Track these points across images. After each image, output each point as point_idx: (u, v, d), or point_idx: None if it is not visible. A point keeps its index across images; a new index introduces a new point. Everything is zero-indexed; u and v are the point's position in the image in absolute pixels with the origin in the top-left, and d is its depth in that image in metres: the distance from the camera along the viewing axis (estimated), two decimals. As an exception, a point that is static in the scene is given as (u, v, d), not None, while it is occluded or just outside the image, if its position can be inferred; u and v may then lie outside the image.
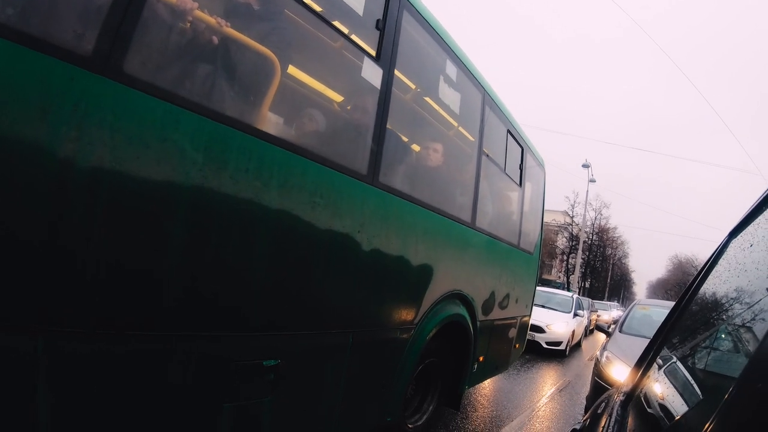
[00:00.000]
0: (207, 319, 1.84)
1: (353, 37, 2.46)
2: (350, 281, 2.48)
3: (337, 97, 2.71)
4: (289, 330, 2.20)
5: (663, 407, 1.16)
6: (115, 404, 1.61)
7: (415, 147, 3.32)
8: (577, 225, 41.27)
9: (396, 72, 2.68)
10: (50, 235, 1.38)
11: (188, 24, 1.79)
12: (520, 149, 4.89)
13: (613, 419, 1.43)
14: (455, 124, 3.61)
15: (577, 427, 1.95)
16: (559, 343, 10.44)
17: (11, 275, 1.33)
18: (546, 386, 7.28)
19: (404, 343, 3.04)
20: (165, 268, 1.67)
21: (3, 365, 1.35)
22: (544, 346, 10.20)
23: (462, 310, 3.70)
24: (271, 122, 2.13)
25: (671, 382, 1.25)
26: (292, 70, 2.26)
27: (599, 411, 1.77)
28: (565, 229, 44.36)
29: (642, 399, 1.36)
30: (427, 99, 3.28)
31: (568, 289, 28.65)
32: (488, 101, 3.96)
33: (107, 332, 1.54)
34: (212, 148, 1.75)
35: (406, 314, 3.00)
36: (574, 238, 41.89)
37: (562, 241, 45.43)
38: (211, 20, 1.85)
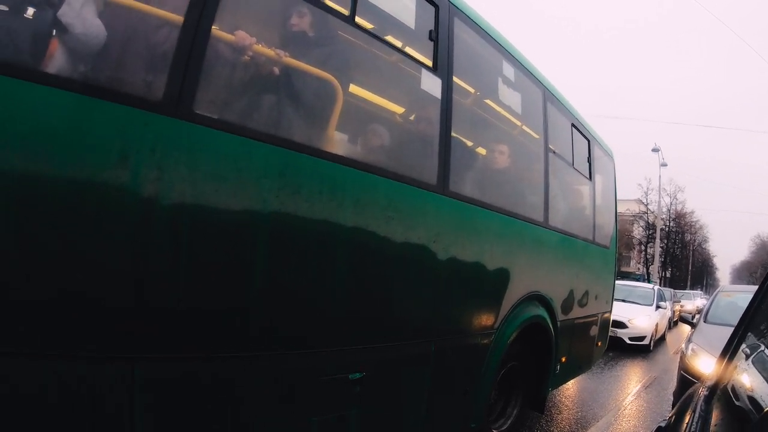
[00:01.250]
0: (293, 337, 1.93)
1: (408, 50, 2.50)
2: (429, 291, 2.51)
3: (400, 112, 2.75)
4: (373, 343, 2.26)
5: (752, 399, 1.09)
6: (206, 422, 1.70)
7: (482, 151, 3.30)
8: (652, 212, 38.79)
9: (454, 79, 2.69)
10: (143, 270, 1.50)
11: (249, 59, 1.89)
12: (587, 142, 4.72)
13: (696, 415, 1.36)
14: (518, 123, 3.55)
15: (663, 424, 1.87)
16: (642, 338, 9.89)
17: (109, 311, 1.44)
18: (631, 383, 6.94)
19: (485, 349, 3.02)
20: (251, 292, 1.77)
21: (104, 392, 1.46)
22: (627, 341, 9.70)
23: (541, 311, 3.62)
24: (339, 143, 2.21)
25: (760, 372, 1.17)
26: (353, 89, 2.33)
27: (684, 407, 1.69)
28: (640, 217, 41.83)
29: (729, 392, 1.28)
30: (488, 102, 3.26)
31: (649, 281, 27.03)
32: (549, 97, 3.86)
33: (199, 356, 1.65)
34: (286, 174, 1.84)
35: (486, 319, 2.98)
36: (650, 227, 39.39)
37: (638, 231, 42.91)
38: (270, 52, 1.95)
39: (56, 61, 1.56)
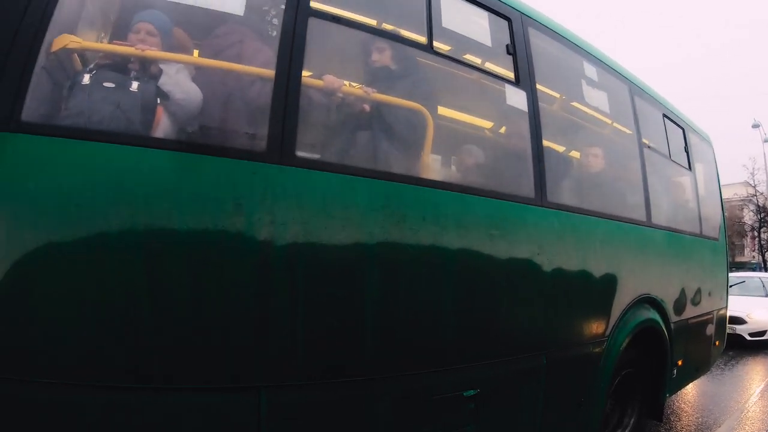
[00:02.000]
0: (407, 359, 1.99)
1: (489, 68, 2.54)
2: (537, 304, 2.49)
3: (490, 129, 2.78)
4: (485, 359, 2.28)
5: None
6: None
7: (575, 157, 3.24)
8: (761, 194, 35.03)
9: (538, 88, 2.67)
10: (266, 306, 1.65)
11: (339, 100, 2.01)
12: (681, 130, 4.44)
13: None
14: (608, 122, 3.44)
15: None
16: (763, 333, 8.93)
17: (239, 345, 1.62)
18: (754, 383, 6.31)
19: (598, 357, 2.93)
20: (365, 320, 1.87)
21: (234, 417, 1.61)
22: (748, 338, 8.82)
23: (653, 314, 3.44)
24: (435, 168, 2.29)
25: None
26: (441, 114, 2.40)
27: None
28: (750, 201, 37.81)
29: None
30: (575, 106, 3.19)
31: (766, 269, 24.48)
32: (636, 90, 3.71)
33: (320, 382, 1.77)
34: (389, 205, 1.93)
35: (596, 328, 2.90)
36: (761, 210, 35.49)
37: (749, 216, 38.73)
38: (359, 91, 2.07)
39: (164, 125, 1.78)
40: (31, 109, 1.55)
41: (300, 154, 1.77)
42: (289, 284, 1.71)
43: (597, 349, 2.91)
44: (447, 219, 2.09)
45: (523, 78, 2.59)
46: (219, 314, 1.61)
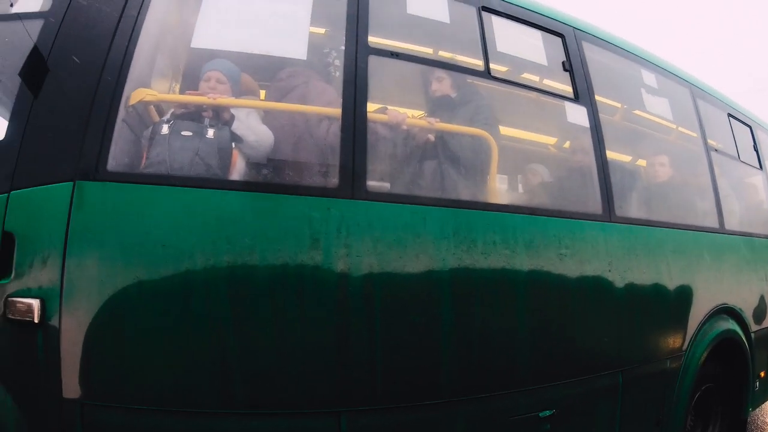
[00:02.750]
0: (483, 382, 2.02)
1: (547, 86, 2.53)
2: (611, 321, 2.45)
3: (554, 148, 2.77)
4: (561, 380, 2.26)
5: None
6: None
7: (641, 168, 3.18)
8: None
9: (597, 100, 2.64)
10: (346, 335, 1.74)
11: (405, 132, 2.07)
12: (748, 129, 4.24)
13: None
14: (672, 128, 3.34)
15: None
16: None
17: (320, 372, 1.71)
18: None
19: (675, 373, 2.82)
20: (441, 345, 1.91)
21: None
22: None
23: (731, 325, 3.28)
24: (502, 192, 2.30)
25: None
26: (504, 136, 2.42)
27: None
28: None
29: None
30: (636, 115, 3.13)
31: None
32: (697, 93, 3.58)
33: (398, 405, 1.83)
34: (459, 232, 1.96)
35: (673, 342, 2.80)
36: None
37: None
38: (423, 123, 2.12)
39: (240, 168, 1.90)
40: (115, 159, 1.71)
41: (371, 187, 1.83)
42: (367, 313, 1.78)
43: (674, 365, 2.81)
44: (516, 241, 2.10)
45: (582, 93, 2.57)
46: (301, 344, 1.71)
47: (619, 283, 2.46)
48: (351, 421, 1.75)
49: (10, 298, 1.60)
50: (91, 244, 1.63)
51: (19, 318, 1.59)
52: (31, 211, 1.66)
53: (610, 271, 2.41)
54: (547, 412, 2.20)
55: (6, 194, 1.65)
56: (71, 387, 1.61)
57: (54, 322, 1.59)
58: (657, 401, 2.76)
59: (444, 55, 2.33)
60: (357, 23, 1.96)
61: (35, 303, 1.58)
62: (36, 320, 1.57)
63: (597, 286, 2.36)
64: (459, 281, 1.94)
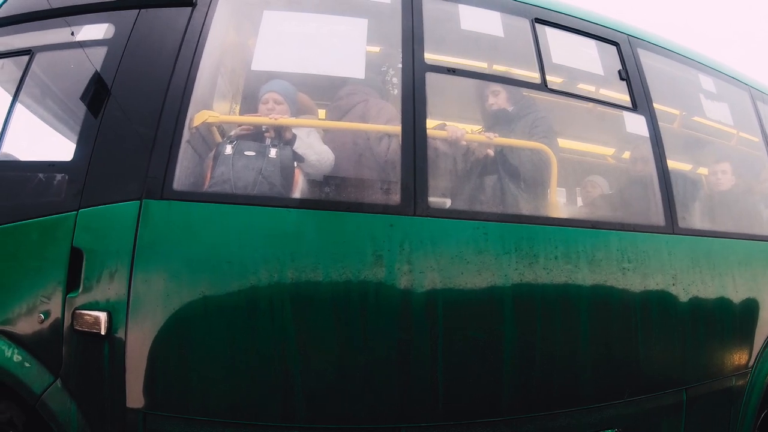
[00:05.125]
0: (544, 399, 1.98)
1: (604, 97, 2.48)
2: (675, 336, 2.36)
3: (613, 160, 2.71)
4: (623, 397, 2.20)
5: None
6: None
7: (703, 177, 3.07)
8: None
9: (656, 108, 2.57)
10: (407, 351, 1.74)
11: (464, 148, 2.06)
12: None
13: None
14: (734, 132, 3.21)
15: None
16: None
17: (382, 388, 1.73)
18: None
19: (741, 391, 2.69)
20: (503, 360, 1.89)
21: None
22: None
23: (800, 339, 3.11)
24: (563, 206, 2.25)
25: None
26: (563, 149, 2.38)
27: None
28: None
29: None
30: (696, 122, 3.03)
31: None
32: (757, 95, 3.43)
33: (459, 422, 1.82)
34: (521, 247, 1.95)
35: (739, 358, 2.67)
36: None
37: None
38: (481, 137, 2.10)
39: (302, 186, 1.94)
40: (181, 178, 1.78)
41: (432, 203, 1.84)
42: (429, 330, 1.79)
43: (740, 382, 2.69)
44: (578, 256, 2.06)
45: (640, 101, 2.50)
46: (363, 360, 1.74)
47: (684, 297, 2.38)
48: None
49: (78, 311, 1.71)
50: (158, 260, 1.71)
51: (86, 329, 1.70)
52: (99, 228, 1.75)
53: (674, 284, 2.34)
54: (610, 431, 2.14)
55: (75, 212, 1.75)
56: (135, 397, 1.70)
57: (120, 334, 1.69)
58: (722, 420, 2.65)
59: (499, 68, 2.32)
60: (413, 40, 1.99)
61: (102, 316, 1.68)
62: (102, 332, 1.68)
63: (661, 300, 2.29)
64: (521, 297, 1.93)
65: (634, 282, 2.20)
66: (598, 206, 2.34)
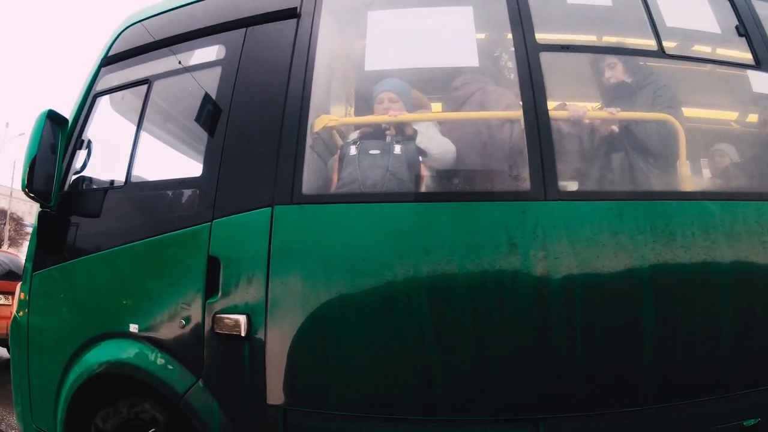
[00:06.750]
0: (686, 387, 1.86)
1: (724, 57, 2.29)
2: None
3: (739, 124, 2.50)
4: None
5: None
6: None
7: None
8: None
9: None
10: (546, 339, 1.69)
11: (588, 126, 1.96)
12: None
13: None
14: None
15: None
16: None
17: (520, 378, 1.68)
18: None
19: None
20: (643, 346, 1.79)
21: None
22: None
23: None
24: (694, 179, 2.11)
25: None
26: (689, 118, 2.22)
27: None
28: None
29: None
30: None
31: None
32: None
33: (597, 413, 1.75)
34: (656, 225, 1.83)
35: None
36: None
37: None
38: (604, 114, 1.99)
39: (429, 180, 1.90)
40: (308, 182, 1.80)
41: (562, 186, 1.76)
42: (567, 316, 1.72)
43: None
44: (716, 231, 1.91)
45: (763, 57, 2.29)
46: (501, 350, 1.70)
47: (837, 269, 2.15)
48: (549, 429, 1.71)
49: (218, 315, 1.78)
50: (293, 262, 1.74)
51: (226, 332, 1.76)
52: (233, 236, 1.81)
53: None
54: (752, 421, 1.99)
55: (209, 223, 1.82)
56: (275, 394, 1.75)
57: (260, 335, 1.75)
58: None
59: (611, 40, 2.19)
60: (521, 21, 1.92)
61: (242, 318, 1.74)
62: (243, 334, 1.74)
63: None
64: (659, 278, 1.81)
65: (777, 256, 2.01)
66: (731, 176, 2.16)
